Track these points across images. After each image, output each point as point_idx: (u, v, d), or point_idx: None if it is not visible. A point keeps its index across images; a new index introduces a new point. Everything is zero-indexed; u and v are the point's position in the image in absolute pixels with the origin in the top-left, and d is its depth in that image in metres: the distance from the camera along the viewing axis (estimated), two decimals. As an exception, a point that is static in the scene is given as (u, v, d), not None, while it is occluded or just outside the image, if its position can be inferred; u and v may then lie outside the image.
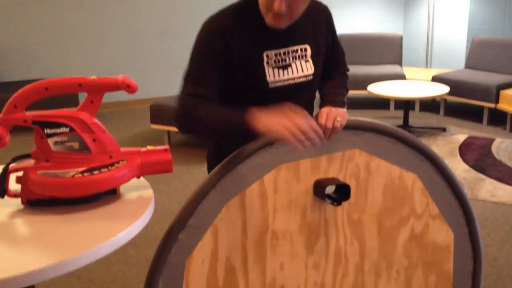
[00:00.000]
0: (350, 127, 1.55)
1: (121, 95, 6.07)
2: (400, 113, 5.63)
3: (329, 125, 1.46)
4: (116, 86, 1.36)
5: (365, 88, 5.39)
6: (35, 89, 1.32)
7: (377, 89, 4.99)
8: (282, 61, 1.56)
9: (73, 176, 1.29)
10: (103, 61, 5.95)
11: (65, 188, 1.28)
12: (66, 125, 1.34)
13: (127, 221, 1.26)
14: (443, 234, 1.68)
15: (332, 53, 1.71)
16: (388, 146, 1.59)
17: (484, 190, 3.62)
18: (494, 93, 5.05)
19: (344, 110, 1.55)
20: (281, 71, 1.56)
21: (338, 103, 1.59)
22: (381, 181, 1.59)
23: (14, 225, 1.27)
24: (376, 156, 1.58)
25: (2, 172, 1.35)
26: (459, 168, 4.05)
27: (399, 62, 6.16)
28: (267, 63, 1.55)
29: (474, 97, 5.24)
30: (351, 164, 1.56)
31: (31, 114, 1.34)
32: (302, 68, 1.60)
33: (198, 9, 6.16)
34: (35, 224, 1.27)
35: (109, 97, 6.01)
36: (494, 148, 4.51)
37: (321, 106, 1.60)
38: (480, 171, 3.98)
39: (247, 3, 1.55)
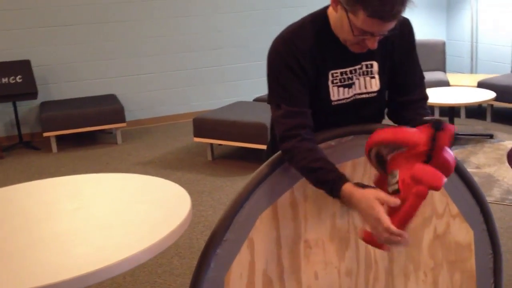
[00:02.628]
0: (370, 132, 1.57)
1: (164, 110, 6.24)
2: (445, 120, 5.51)
3: None
4: None
5: None
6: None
7: None
8: (347, 80, 1.53)
9: None
10: (149, 79, 6.15)
11: None
12: None
13: (167, 228, 1.33)
14: (463, 233, 1.71)
15: (405, 70, 1.59)
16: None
17: (535, 198, 3.52)
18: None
19: None
20: (346, 89, 1.53)
21: None
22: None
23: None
24: None
25: None
26: (507, 176, 3.95)
27: (443, 69, 6.05)
28: (332, 82, 1.52)
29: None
30: (374, 169, 1.58)
31: None
32: (366, 85, 1.55)
33: (237, 22, 6.28)
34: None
35: (153, 112, 6.19)
36: (544, 154, 4.36)
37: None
38: (531, 178, 3.87)
39: (321, 20, 1.49)
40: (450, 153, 1.35)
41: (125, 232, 1.35)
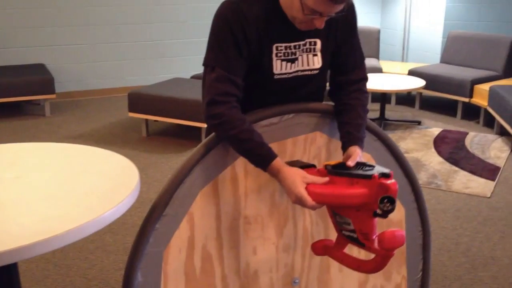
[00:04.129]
0: (311, 110, 1.62)
1: (98, 83, 6.03)
2: (376, 106, 5.70)
3: None
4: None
5: None
6: None
7: None
8: (291, 55, 1.53)
9: None
10: (82, 50, 5.90)
11: None
12: None
13: (113, 202, 1.29)
14: (395, 211, 1.76)
15: (346, 51, 1.62)
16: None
17: (458, 182, 3.72)
18: (468, 88, 5.16)
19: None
20: (288, 64, 1.54)
21: (362, 140, 1.56)
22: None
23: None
24: (335, 139, 1.65)
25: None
26: (433, 161, 4.14)
27: (377, 56, 6.23)
28: (276, 55, 1.52)
29: (449, 92, 5.34)
30: (314, 146, 1.63)
31: None
32: (309, 62, 1.57)
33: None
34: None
35: (85, 84, 5.96)
36: (467, 141, 4.63)
37: (346, 144, 1.54)
38: (454, 163, 4.08)
39: None
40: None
41: (71, 203, 1.29)
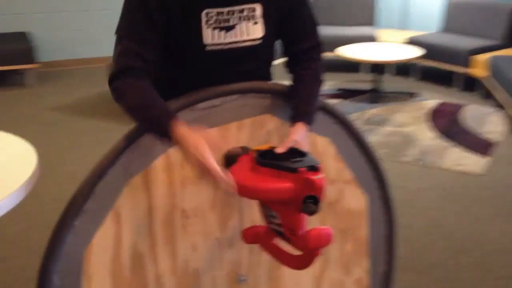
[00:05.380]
0: (259, 90, 1.44)
1: (82, 52, 5.83)
2: (374, 77, 5.46)
3: None
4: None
5: (333, 51, 5.18)
6: None
7: (346, 51, 4.81)
8: (224, 22, 1.36)
9: None
10: (68, 17, 5.68)
11: None
12: None
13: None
14: (357, 199, 1.63)
15: (294, 18, 1.44)
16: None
17: (449, 158, 3.54)
18: (465, 58, 4.91)
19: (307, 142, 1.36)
20: (222, 33, 1.37)
21: (310, 114, 1.41)
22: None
23: None
24: (287, 121, 1.45)
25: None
26: (425, 136, 3.95)
27: (371, 23, 5.95)
28: (206, 22, 1.35)
29: (447, 62, 5.10)
30: (263, 131, 1.46)
31: None
32: (248, 31, 1.39)
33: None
34: None
35: (69, 53, 5.76)
36: (463, 115, 4.41)
37: (291, 120, 1.39)
38: (447, 138, 3.89)
39: None
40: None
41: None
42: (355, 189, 1.63)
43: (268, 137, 1.48)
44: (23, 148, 1.41)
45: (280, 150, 1.26)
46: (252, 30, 1.40)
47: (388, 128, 4.11)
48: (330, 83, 5.25)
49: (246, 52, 1.41)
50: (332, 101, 4.72)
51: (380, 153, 3.59)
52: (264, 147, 1.29)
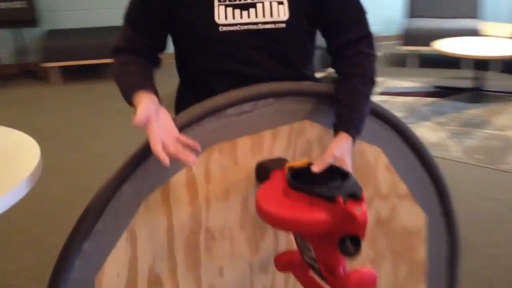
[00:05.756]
0: (297, 93, 1.23)
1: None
2: (476, 74, 4.96)
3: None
4: None
5: (429, 45, 4.77)
6: None
7: (445, 45, 4.40)
8: None
9: None
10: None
11: None
12: None
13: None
14: (412, 216, 1.42)
15: (336, 4, 1.25)
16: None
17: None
18: None
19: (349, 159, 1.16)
20: (237, 11, 1.20)
21: (356, 126, 1.20)
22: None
23: None
24: (331, 128, 1.24)
25: None
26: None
27: (475, 16, 5.47)
28: (219, 0, 1.21)
29: None
30: (301, 139, 1.26)
31: None
32: (272, 10, 1.21)
33: None
34: None
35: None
36: None
37: (334, 129, 1.20)
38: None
39: None
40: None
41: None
42: (411, 205, 1.41)
43: (309, 146, 1.28)
44: (25, 141, 1.38)
45: (316, 168, 1.06)
46: (275, 11, 1.20)
47: (487, 131, 3.73)
48: (425, 79, 4.87)
49: (268, 38, 1.22)
50: (427, 100, 4.37)
51: (475, 158, 3.26)
52: (298, 163, 1.08)
